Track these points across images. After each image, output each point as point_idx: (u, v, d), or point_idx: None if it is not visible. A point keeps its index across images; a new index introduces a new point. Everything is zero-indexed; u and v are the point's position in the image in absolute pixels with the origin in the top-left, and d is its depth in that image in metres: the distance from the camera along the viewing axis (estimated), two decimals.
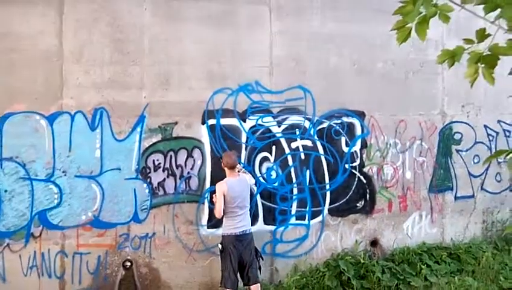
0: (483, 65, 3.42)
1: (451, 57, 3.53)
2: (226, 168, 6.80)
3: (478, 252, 8.44)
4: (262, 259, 6.93)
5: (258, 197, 7.58)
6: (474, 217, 9.09)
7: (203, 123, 7.36)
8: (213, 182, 7.18)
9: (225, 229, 6.72)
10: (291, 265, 7.74)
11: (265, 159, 7.68)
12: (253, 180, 7.10)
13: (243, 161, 7.44)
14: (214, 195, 6.81)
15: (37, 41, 6.83)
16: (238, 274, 6.66)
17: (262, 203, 7.64)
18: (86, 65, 6.99)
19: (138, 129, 7.15)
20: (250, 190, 6.88)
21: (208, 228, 7.39)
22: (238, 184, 6.67)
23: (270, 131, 7.69)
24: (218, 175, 7.16)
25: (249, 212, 6.76)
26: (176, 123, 7.29)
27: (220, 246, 6.71)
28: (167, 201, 7.26)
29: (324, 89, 7.89)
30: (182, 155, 7.31)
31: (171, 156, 7.28)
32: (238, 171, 6.86)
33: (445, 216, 8.87)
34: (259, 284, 6.73)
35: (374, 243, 8.23)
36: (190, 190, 7.35)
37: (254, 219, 7.45)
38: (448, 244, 8.71)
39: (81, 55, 6.99)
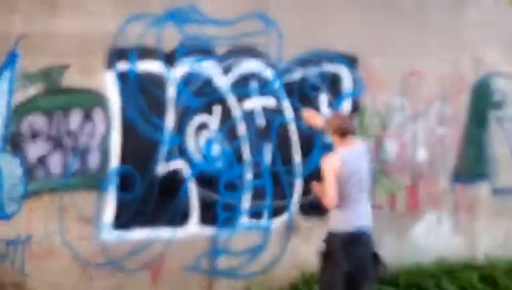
0: None
1: None
2: (334, 136, 6.58)
3: None
4: (386, 269, 6.68)
5: (193, 184, 7.36)
6: None
7: (109, 68, 7.03)
8: (124, 159, 7.07)
9: (334, 223, 6.47)
10: (240, 289, 7.63)
11: (203, 125, 7.46)
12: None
13: (170, 125, 7.27)
14: (314, 182, 6.67)
15: None
16: None
17: (198, 193, 7.38)
18: None
19: (6, 74, 6.69)
20: None
21: (115, 228, 7.08)
22: (354, 157, 6.46)
23: (211, 82, 7.46)
24: (132, 148, 7.09)
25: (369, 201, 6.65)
26: (66, 67, 6.83)
27: (323, 245, 6.47)
28: (51, 187, 6.82)
29: (297, 19, 7.73)
30: (76, 117, 6.91)
31: (58, 117, 6.84)
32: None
33: (476, 219, 8.65)
34: None
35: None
36: (87, 170, 6.97)
37: (184, 217, 7.33)
38: (481, 262, 8.55)
39: None
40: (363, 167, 6.54)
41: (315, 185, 6.66)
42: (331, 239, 6.46)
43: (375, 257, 6.55)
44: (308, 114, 7.14)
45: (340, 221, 6.42)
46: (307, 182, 7.59)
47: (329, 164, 6.41)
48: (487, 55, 8.70)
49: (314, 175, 7.39)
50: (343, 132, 6.52)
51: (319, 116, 7.07)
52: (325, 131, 6.95)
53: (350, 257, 6.32)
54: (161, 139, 7.22)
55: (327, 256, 6.46)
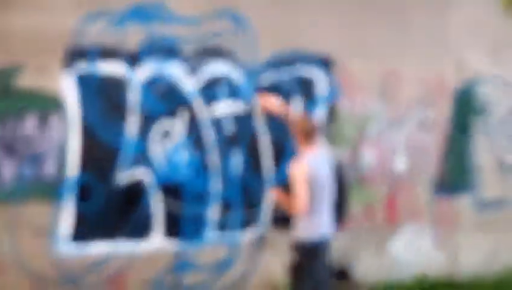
0: None
1: None
2: (300, 137, 6.66)
3: None
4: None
5: (157, 194, 7.18)
6: (509, 234, 8.86)
7: (67, 68, 6.83)
8: (83, 166, 6.87)
9: (301, 232, 6.49)
10: None
11: (168, 132, 7.31)
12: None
13: (133, 131, 7.10)
14: (275, 190, 6.96)
15: None
16: None
17: (163, 204, 7.19)
18: None
19: None
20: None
21: (72, 241, 6.86)
22: (319, 161, 6.59)
23: (177, 85, 7.33)
24: (91, 155, 6.91)
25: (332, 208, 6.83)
26: (20, 67, 6.67)
27: (295, 257, 6.47)
28: (2, 196, 6.63)
29: (270, 18, 7.64)
30: (31, 121, 6.75)
31: (11, 122, 6.66)
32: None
33: (459, 232, 8.65)
34: None
35: (342, 274, 7.82)
36: (43, 178, 6.76)
37: (147, 229, 7.13)
38: (464, 278, 8.59)
39: None
40: (327, 171, 6.67)
41: (276, 193, 6.84)
42: (300, 249, 6.51)
43: (343, 274, 6.78)
44: (265, 100, 7.26)
45: (305, 229, 6.49)
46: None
47: (299, 169, 6.49)
48: (471, 58, 8.75)
49: (287, 184, 7.26)
50: (310, 134, 6.62)
51: (279, 102, 7.17)
52: (290, 129, 6.93)
53: (317, 267, 6.54)
54: (123, 146, 7.05)
55: (298, 268, 6.49)
